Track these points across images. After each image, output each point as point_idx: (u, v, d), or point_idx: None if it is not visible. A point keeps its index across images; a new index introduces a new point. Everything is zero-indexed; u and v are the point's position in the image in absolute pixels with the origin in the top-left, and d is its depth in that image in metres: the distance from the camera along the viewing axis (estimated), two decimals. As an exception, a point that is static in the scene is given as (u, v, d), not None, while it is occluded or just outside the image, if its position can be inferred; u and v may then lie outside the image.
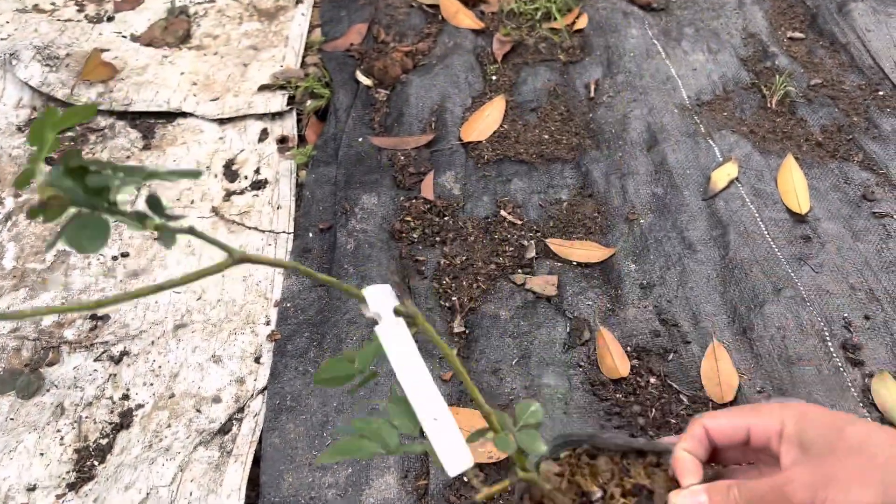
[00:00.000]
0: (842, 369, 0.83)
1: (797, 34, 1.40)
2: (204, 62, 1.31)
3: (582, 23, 1.40)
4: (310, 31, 1.41)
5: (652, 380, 0.84)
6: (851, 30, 1.36)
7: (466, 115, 1.21)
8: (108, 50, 1.33)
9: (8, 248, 0.98)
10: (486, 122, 1.19)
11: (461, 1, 1.43)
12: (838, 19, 1.38)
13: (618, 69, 1.28)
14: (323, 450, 0.76)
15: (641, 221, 1.02)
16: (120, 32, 1.39)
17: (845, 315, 0.89)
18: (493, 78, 1.29)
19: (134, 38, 1.38)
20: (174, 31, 1.38)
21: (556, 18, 1.40)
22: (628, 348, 0.87)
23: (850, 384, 0.82)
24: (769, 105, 1.22)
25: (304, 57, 1.34)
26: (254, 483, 0.73)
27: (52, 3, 1.46)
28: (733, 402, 0.81)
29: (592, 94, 1.25)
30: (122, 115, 1.20)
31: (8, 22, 1.38)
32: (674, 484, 0.47)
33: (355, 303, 0.90)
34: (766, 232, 0.99)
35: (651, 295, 0.93)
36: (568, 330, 0.89)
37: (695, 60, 1.31)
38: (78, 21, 1.41)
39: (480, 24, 1.39)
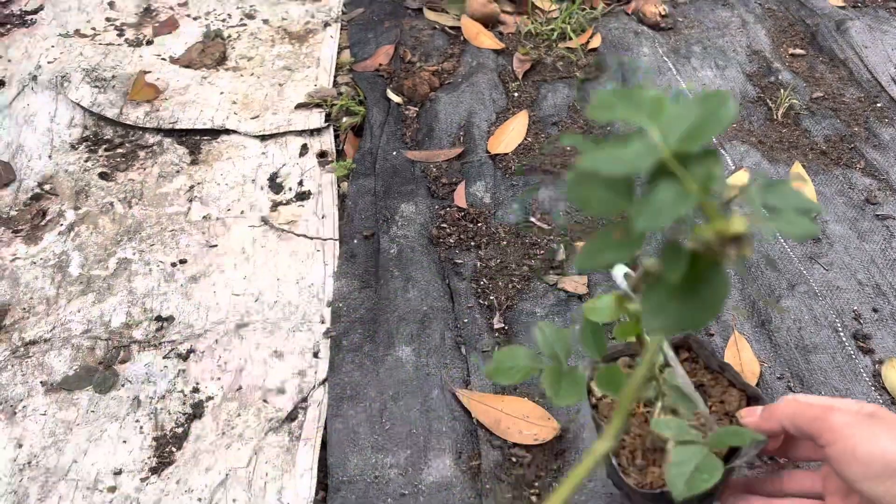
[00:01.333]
0: (853, 357, 0.91)
1: (798, 51, 1.48)
2: (242, 82, 1.39)
3: (596, 42, 1.48)
4: (339, 53, 1.49)
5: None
6: (849, 46, 1.45)
7: (492, 129, 1.29)
8: (150, 71, 1.41)
9: (73, 257, 1.05)
10: (510, 135, 1.27)
11: (481, 23, 1.52)
12: (836, 36, 1.47)
13: (633, 85, 1.37)
14: (382, 434, 0.82)
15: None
16: (159, 55, 1.47)
17: (855, 308, 0.97)
18: (515, 94, 1.37)
19: (173, 61, 1.46)
20: (211, 54, 1.46)
21: (571, 38, 1.49)
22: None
23: (861, 370, 0.89)
24: (775, 117, 1.31)
25: (335, 77, 1.42)
26: (322, 464, 0.80)
27: (93, 29, 1.54)
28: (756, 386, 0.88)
29: (609, 109, 1.33)
30: (168, 133, 1.27)
31: (53, 46, 1.46)
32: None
33: (403, 302, 0.97)
34: (778, 234, 1.07)
35: (675, 292, 1.00)
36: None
37: (704, 76, 1.40)
38: (119, 45, 1.49)
39: (500, 44, 1.47)
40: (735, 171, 1.18)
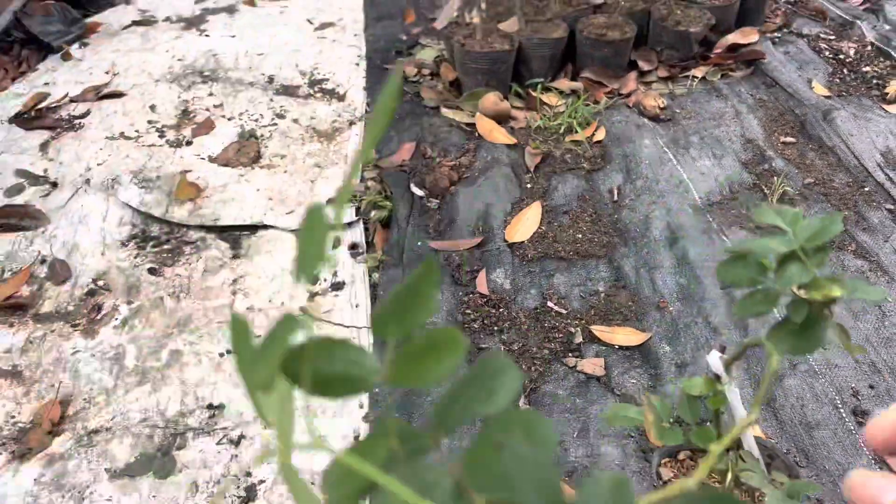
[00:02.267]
0: (854, 432, 0.98)
1: (789, 139, 1.60)
2: (275, 179, 1.51)
3: (600, 135, 1.61)
4: (364, 149, 1.62)
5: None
6: (836, 134, 1.56)
7: (508, 218, 1.40)
8: (190, 170, 1.53)
9: (128, 350, 1.14)
10: (525, 224, 1.37)
11: (494, 119, 1.64)
12: (824, 125, 1.59)
13: (636, 175, 1.48)
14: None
15: (671, 308, 1.19)
16: (199, 155, 1.59)
17: (853, 385, 1.05)
18: (528, 185, 1.49)
19: (212, 160, 1.58)
20: (246, 153, 1.59)
21: (577, 131, 1.61)
22: (670, 420, 1.02)
23: (862, 445, 0.96)
24: (771, 202, 1.41)
25: (362, 172, 1.54)
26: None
27: (136, 131, 1.67)
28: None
29: (616, 198, 1.44)
30: (210, 229, 1.38)
31: (101, 149, 1.59)
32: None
33: (434, 391, 1.05)
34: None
35: (685, 372, 1.08)
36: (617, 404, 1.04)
37: (702, 165, 1.51)
38: (160, 146, 1.62)
39: (512, 139, 1.60)
40: (735, 255, 1.27)
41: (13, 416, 1.06)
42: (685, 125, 1.64)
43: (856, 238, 1.32)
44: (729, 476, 0.67)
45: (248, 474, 0.96)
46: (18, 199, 1.47)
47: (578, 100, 1.68)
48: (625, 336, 1.15)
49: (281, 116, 1.73)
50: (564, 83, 1.77)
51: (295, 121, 1.71)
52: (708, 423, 0.71)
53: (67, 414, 1.06)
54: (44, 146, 1.63)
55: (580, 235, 1.35)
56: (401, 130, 1.65)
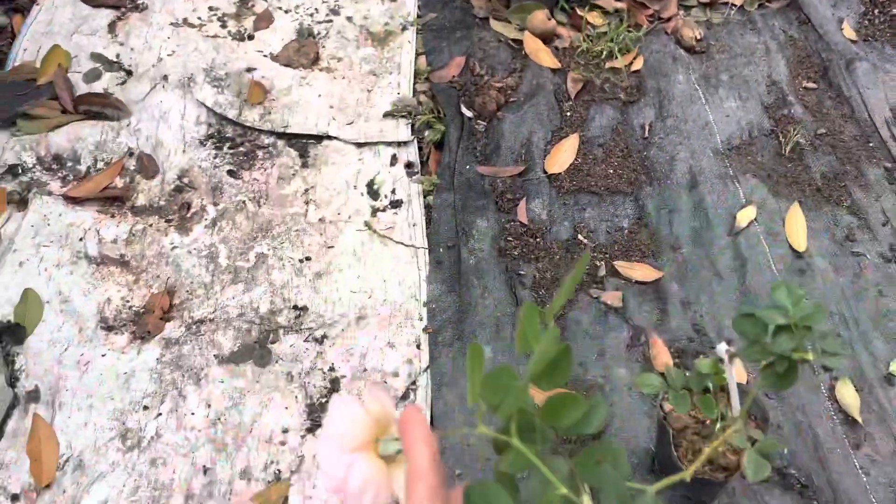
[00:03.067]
0: (816, 374, 1.23)
1: (811, 84, 1.73)
2: (335, 85, 1.63)
3: (638, 64, 1.72)
4: (416, 59, 1.72)
5: (688, 374, 1.23)
6: (854, 85, 1.69)
7: (548, 147, 1.55)
8: (256, 68, 1.64)
9: (220, 249, 1.34)
10: (563, 156, 1.53)
11: (540, 38, 1.74)
12: (845, 74, 1.71)
13: (667, 113, 1.62)
14: (467, 413, 1.15)
15: (683, 251, 1.39)
16: (261, 51, 1.69)
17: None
18: (568, 114, 1.63)
19: (273, 58, 1.68)
20: (306, 54, 1.69)
21: (617, 58, 1.72)
22: (671, 349, 1.26)
23: (821, 385, 1.21)
24: (783, 152, 1.57)
25: (414, 84, 1.66)
26: (430, 434, 1.12)
27: (199, 18, 1.75)
28: (742, 393, 1.20)
29: (647, 134, 1.59)
30: (280, 136, 1.53)
31: (169, 37, 1.68)
32: None
33: (481, 308, 1.27)
34: (773, 266, 1.36)
35: (689, 310, 1.31)
36: (630, 334, 1.27)
37: (728, 107, 1.65)
38: (224, 38, 1.71)
39: (557, 63, 1.70)
40: (746, 205, 1.45)
41: (127, 301, 1.27)
42: (717, 60, 1.75)
43: (852, 194, 1.50)
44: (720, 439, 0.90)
45: (332, 369, 1.19)
46: (97, 87, 1.58)
47: (622, 23, 1.76)
48: (642, 272, 1.35)
49: (335, 13, 1.80)
50: (609, 1, 1.84)
51: (349, 19, 1.79)
52: (709, 393, 0.93)
53: (174, 303, 1.27)
54: (112, 27, 1.71)
55: (611, 171, 1.52)
56: (451, 42, 1.74)
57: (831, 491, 1.09)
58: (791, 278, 1.35)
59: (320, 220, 1.39)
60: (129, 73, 1.62)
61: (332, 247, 1.35)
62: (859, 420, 1.16)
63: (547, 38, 1.75)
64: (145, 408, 1.14)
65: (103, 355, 1.20)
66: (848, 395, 1.19)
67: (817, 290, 1.33)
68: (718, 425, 0.94)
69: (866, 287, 1.35)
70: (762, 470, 0.84)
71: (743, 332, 0.78)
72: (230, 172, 1.46)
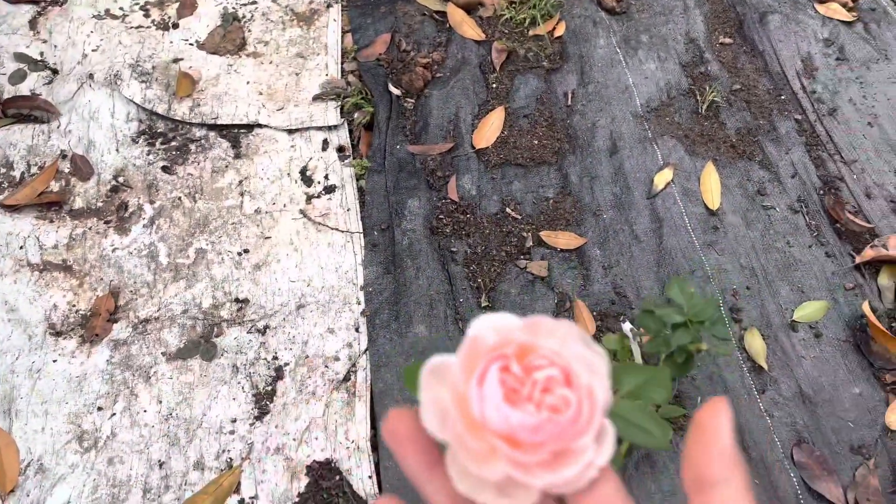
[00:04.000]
0: (728, 327, 1.32)
1: (727, 39, 1.79)
2: (263, 71, 1.65)
3: (560, 30, 1.76)
4: (342, 37, 1.74)
5: (611, 335, 1.32)
6: (767, 38, 1.75)
7: (475, 122, 1.60)
8: (182, 58, 1.65)
9: (160, 248, 1.38)
10: (490, 129, 1.58)
11: (463, 8, 1.76)
12: (759, 27, 1.77)
13: (589, 79, 1.67)
14: (406, 391, 1.23)
15: (604, 216, 1.46)
16: (187, 40, 1.70)
17: (734, 286, 1.38)
18: (494, 86, 1.67)
19: (200, 46, 1.69)
20: (232, 39, 1.70)
21: (539, 24, 1.76)
22: (595, 313, 1.35)
23: (731, 336, 1.31)
24: (700, 110, 1.64)
25: (342, 64, 1.69)
26: (372, 412, 1.21)
27: (121, 9, 1.74)
28: (659, 350, 1.30)
29: (570, 102, 1.64)
30: (211, 127, 1.55)
31: (92, 31, 1.68)
32: None
33: (416, 288, 1.34)
34: (688, 225, 1.45)
35: (610, 274, 1.39)
36: (555, 301, 1.35)
37: (647, 69, 1.70)
38: (148, 28, 1.71)
39: (481, 34, 1.74)
40: (663, 167, 1.53)
41: (74, 306, 1.32)
42: (637, 20, 1.80)
43: (764, 149, 1.58)
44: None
45: (276, 358, 1.26)
46: (23, 88, 1.59)
47: (543, -11, 1.80)
48: (566, 240, 1.43)
49: (260, -6, 1.80)
50: (531, -35, 1.86)
51: (273, 0, 1.79)
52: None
53: (119, 304, 1.32)
54: (33, 23, 1.70)
55: (536, 141, 1.58)
56: (377, 18, 1.76)
57: (738, 433, 1.20)
58: (704, 236, 1.44)
59: (256, 211, 1.44)
60: (55, 71, 1.62)
61: (270, 237, 1.40)
62: (765, 367, 1.27)
63: (471, 7, 1.78)
64: (99, 409, 1.20)
65: (54, 361, 1.25)
66: (755, 343, 1.30)
67: (728, 247, 1.42)
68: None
69: (775, 239, 1.44)
70: (665, 433, 0.95)
71: (646, 327, 0.88)
72: (164, 168, 1.49)
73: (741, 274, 1.39)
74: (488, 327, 0.33)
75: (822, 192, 1.51)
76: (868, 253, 1.40)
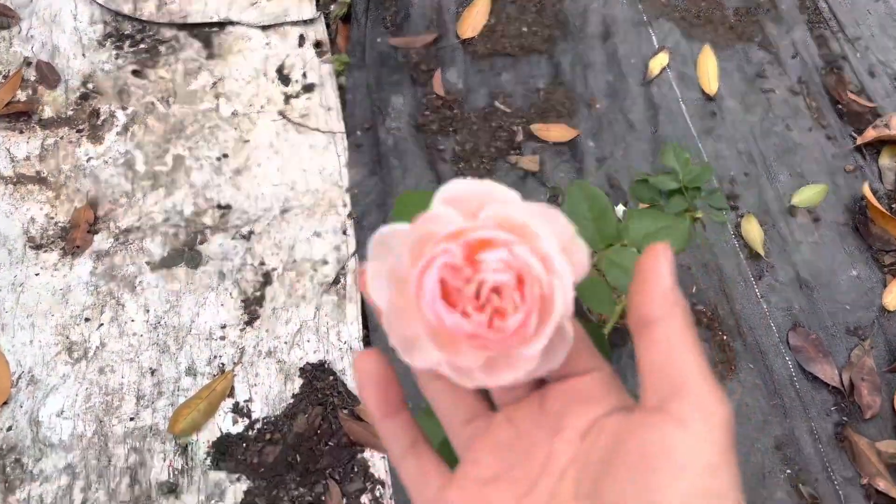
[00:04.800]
0: (725, 213, 1.29)
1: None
2: (232, -35, 1.55)
3: None
4: (315, -75, 1.62)
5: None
6: None
7: (460, 10, 1.52)
8: (145, -45, 1.54)
9: (136, 156, 1.33)
10: (475, 18, 1.50)
11: None
12: None
13: (579, -40, 1.57)
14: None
15: (598, 106, 1.41)
16: (148, -66, 1.58)
17: (732, 173, 1.33)
18: (478, -29, 1.57)
19: (163, -60, 1.58)
20: (197, -69, 1.58)
21: None
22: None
23: (727, 224, 1.28)
24: (697, -10, 1.55)
25: (316, -46, 1.58)
26: (364, 314, 1.19)
27: None
28: (654, 241, 1.27)
29: (559, -14, 1.55)
30: (181, 27, 1.47)
31: (46, -72, 1.56)
32: None
33: (402, 188, 1.30)
34: (685, 111, 1.39)
35: (604, 166, 1.34)
36: (548, 197, 1.31)
37: (641, -53, 1.60)
38: (106, -79, 1.59)
39: (463, -86, 1.62)
40: (658, 51, 1.45)
41: (52, 218, 1.28)
42: None
43: (764, 29, 1.50)
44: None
45: (262, 263, 1.23)
46: (-21, -8, 1.49)
47: None
48: (558, 133, 1.38)
49: None
50: None
51: None
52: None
53: (99, 215, 1.28)
54: (-19, -79, 1.58)
55: (525, 29, 1.50)
56: None
57: (734, 320, 1.19)
58: (701, 122, 1.38)
59: (233, 113, 1.38)
60: (10, -27, 1.52)
61: (248, 141, 1.34)
62: (762, 253, 1.25)
63: None
64: (87, 320, 1.19)
65: (37, 274, 1.22)
66: (753, 230, 1.27)
67: (726, 132, 1.37)
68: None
69: (774, 123, 1.39)
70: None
71: (639, 197, 0.84)
72: (135, 73, 1.42)
73: (739, 160, 1.35)
74: (455, 196, 0.29)
75: (823, 72, 1.45)
76: (870, 133, 1.35)
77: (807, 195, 1.29)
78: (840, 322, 1.19)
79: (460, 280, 0.28)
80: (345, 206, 1.29)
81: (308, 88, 1.41)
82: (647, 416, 0.28)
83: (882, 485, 1.06)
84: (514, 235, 0.28)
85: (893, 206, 1.29)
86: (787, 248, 1.26)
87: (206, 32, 1.47)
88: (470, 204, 0.29)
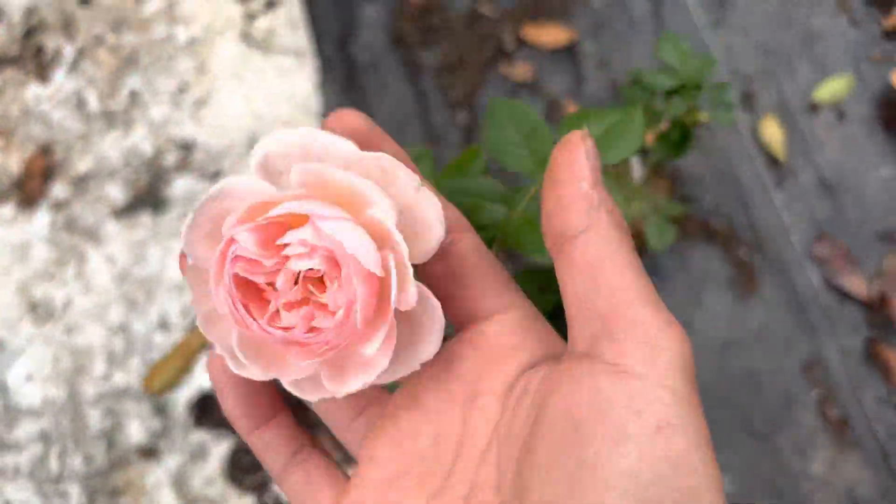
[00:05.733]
0: (739, 114, 1.16)
1: None
2: None
3: None
4: None
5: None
6: None
7: None
8: None
9: (88, 93, 1.21)
10: (454, -89, 1.33)
11: None
12: None
13: None
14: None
15: (595, 2, 1.26)
16: None
17: (746, 71, 1.20)
18: None
19: None
20: None
21: None
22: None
23: (742, 126, 1.15)
24: None
25: None
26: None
27: None
28: (661, 151, 1.15)
29: None
30: (126, -55, 1.32)
31: None
32: None
33: (381, 110, 1.18)
34: (691, 2, 1.24)
35: (604, 70, 1.21)
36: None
37: None
38: None
39: None
40: (660, -64, 1.29)
41: (6, 169, 1.18)
42: None
43: None
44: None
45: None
46: None
47: None
48: (552, 36, 1.24)
49: None
50: None
51: None
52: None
53: (54, 162, 1.18)
54: None
55: (509, -79, 1.33)
56: None
57: (753, 234, 1.08)
58: (712, 13, 1.24)
59: (191, 41, 1.25)
60: None
61: (209, 70, 1.22)
62: (781, 158, 1.12)
63: None
64: (50, 276, 1.10)
65: (-7, 231, 1.13)
66: (772, 132, 1.14)
67: (739, 22, 1.23)
68: (621, 198, 0.90)
69: (793, 10, 1.24)
70: (665, 236, 0.83)
71: (633, 100, 0.72)
72: (82, 1, 1.28)
73: (754, 54, 1.21)
74: (271, 155, 0.24)
75: (849, -54, 1.28)
76: (901, 14, 1.20)
77: (830, 89, 1.16)
78: (869, 228, 1.08)
79: (260, 274, 0.22)
80: (318, 134, 1.17)
81: (271, 5, 1.27)
82: (575, 366, 0.22)
83: (918, 403, 0.98)
84: (329, 205, 0.22)
85: (929, 94, 1.16)
86: (808, 151, 1.13)
87: (155, -50, 1.32)
88: (289, 164, 0.23)
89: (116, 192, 1.14)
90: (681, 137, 0.71)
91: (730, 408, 0.99)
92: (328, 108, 1.19)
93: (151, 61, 1.23)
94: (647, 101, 0.66)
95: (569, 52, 1.23)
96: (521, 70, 1.21)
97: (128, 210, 1.13)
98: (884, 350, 1.00)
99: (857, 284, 1.04)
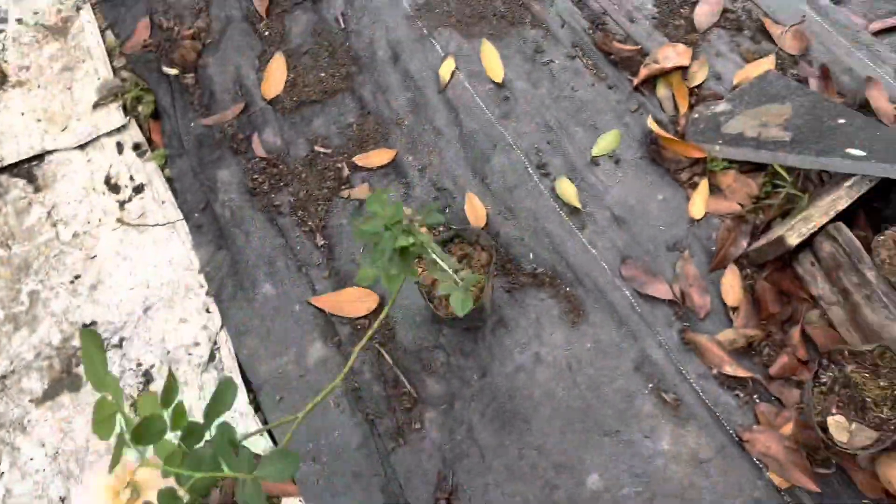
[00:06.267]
0: (538, 182, 1.43)
1: (472, -85, 1.82)
2: (34, 97, 1.60)
3: (313, -43, 1.76)
4: (103, 36, 1.69)
5: (441, 228, 1.40)
6: None
7: (259, 74, 1.61)
8: (-55, 114, 1.58)
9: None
10: (275, 77, 1.60)
11: (212, -33, 1.73)
12: None
13: (353, -3, 1.69)
14: (273, 346, 1.29)
15: (406, 123, 1.52)
16: (-57, 92, 1.62)
17: (536, 146, 1.47)
18: (266, 33, 1.67)
19: (-41, 94, 1.62)
20: (-10, 76, 1.63)
21: (292, -42, 1.75)
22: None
23: (544, 190, 1.42)
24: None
25: (112, 64, 1.65)
26: (245, 379, 1.26)
27: None
28: (486, 226, 1.39)
29: (343, 25, 1.67)
30: (0, 171, 1.51)
31: None
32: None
33: (250, 251, 1.38)
34: (481, 104, 1.53)
35: (426, 174, 1.46)
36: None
37: (405, -31, 1.73)
38: None
39: (237, -13, 1.72)
40: (444, 58, 1.59)
41: (-74, 390, 1.31)
42: (384, -76, 1.81)
43: (530, 9, 1.66)
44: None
45: (139, 364, 1.29)
46: None
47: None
48: (379, 158, 1.49)
49: (3, 21, 1.72)
50: None
51: (20, 21, 1.72)
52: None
53: (-29, 372, 1.31)
54: None
55: (323, 74, 1.60)
56: (129, 6, 1.72)
57: (572, 272, 1.32)
58: (498, 109, 1.52)
59: (74, 235, 1.43)
60: None
61: (95, 256, 1.40)
62: (579, 206, 1.38)
63: (219, -35, 1.75)
64: (-12, 474, 1.22)
65: (-73, 448, 1.25)
66: (567, 189, 1.41)
67: (522, 111, 1.51)
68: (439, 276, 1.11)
69: (561, 89, 1.54)
70: (466, 304, 1.03)
71: (365, 238, 0.96)
72: None
73: (539, 132, 1.49)
74: None
75: (591, 31, 1.61)
76: (643, 72, 1.52)
77: (604, 144, 1.44)
78: (659, 243, 1.34)
79: None
80: (201, 286, 1.36)
81: (138, 189, 1.48)
82: None
83: (728, 369, 1.21)
84: None
85: (677, 128, 1.46)
86: (599, 195, 1.40)
87: (27, 168, 1.52)
88: None
89: (34, 383, 1.29)
90: (402, 258, 0.95)
91: (583, 416, 1.20)
92: (204, 263, 1.38)
93: (42, 263, 1.41)
94: (375, 238, 0.91)
95: (395, 166, 1.48)
96: (360, 190, 1.45)
97: (48, 395, 1.28)
98: (694, 336, 1.25)
99: (661, 290, 1.29)
